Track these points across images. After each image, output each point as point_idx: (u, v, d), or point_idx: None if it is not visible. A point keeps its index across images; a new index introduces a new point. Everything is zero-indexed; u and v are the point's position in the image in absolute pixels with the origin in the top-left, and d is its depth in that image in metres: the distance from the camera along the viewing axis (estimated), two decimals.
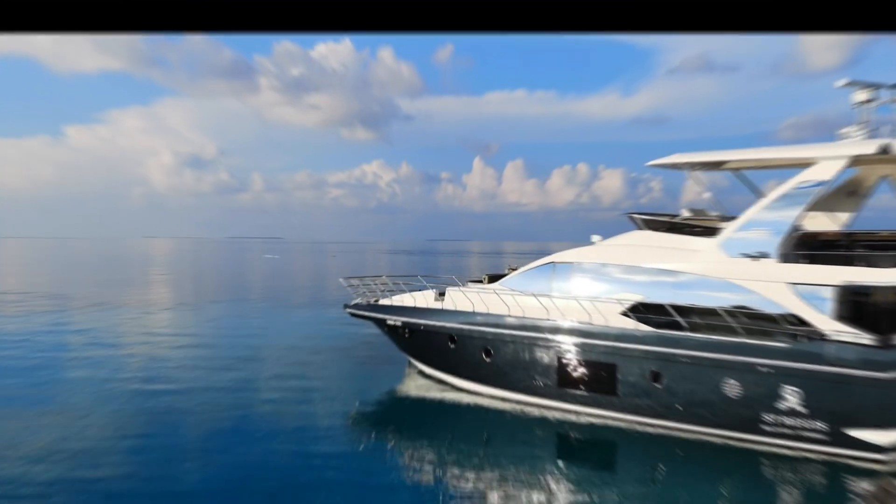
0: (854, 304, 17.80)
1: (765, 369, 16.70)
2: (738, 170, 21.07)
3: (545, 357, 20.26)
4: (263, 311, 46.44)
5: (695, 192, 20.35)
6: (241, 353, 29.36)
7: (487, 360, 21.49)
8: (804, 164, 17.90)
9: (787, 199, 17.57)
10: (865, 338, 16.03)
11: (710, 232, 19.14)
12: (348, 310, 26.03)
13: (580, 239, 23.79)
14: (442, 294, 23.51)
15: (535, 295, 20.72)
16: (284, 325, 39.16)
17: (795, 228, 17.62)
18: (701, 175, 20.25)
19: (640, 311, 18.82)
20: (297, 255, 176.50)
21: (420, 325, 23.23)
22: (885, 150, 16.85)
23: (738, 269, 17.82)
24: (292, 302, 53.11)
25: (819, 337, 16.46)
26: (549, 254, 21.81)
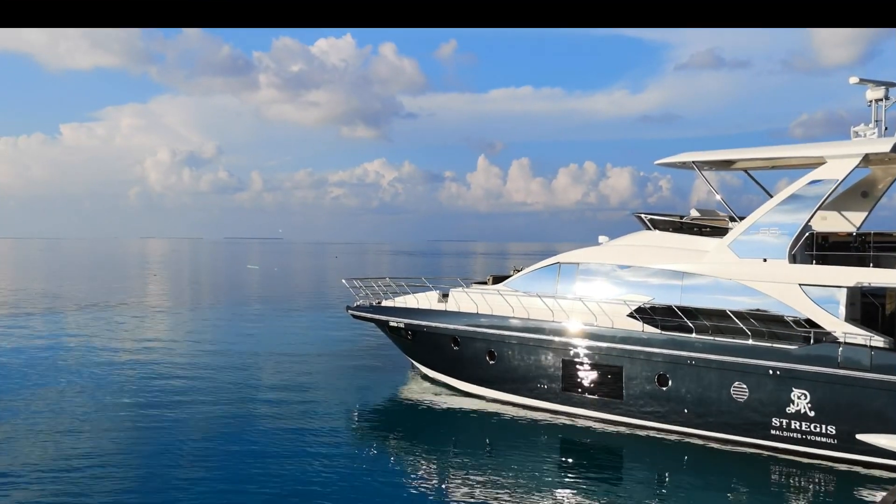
0: (867, 306, 17.47)
1: (774, 372, 16.35)
2: (747, 169, 20.74)
3: (550, 360, 19.93)
4: (263, 314, 46.20)
5: (704, 192, 20.07)
6: (240, 357, 29.11)
7: (491, 362, 21.17)
8: (816, 163, 17.57)
9: (797, 199, 17.22)
10: (878, 340, 15.70)
11: (718, 232, 18.82)
12: (351, 311, 25.74)
13: (587, 239, 23.53)
14: (445, 295, 23.21)
15: (540, 296, 20.40)
16: (285, 329, 38.89)
17: (806, 229, 17.26)
18: (710, 174, 19.91)
19: (647, 312, 18.49)
20: (297, 258, 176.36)
21: (423, 326, 22.92)
22: None
23: (748, 271, 17.48)
24: (292, 306, 52.88)
25: (831, 339, 16.10)
26: (554, 254, 21.56)
